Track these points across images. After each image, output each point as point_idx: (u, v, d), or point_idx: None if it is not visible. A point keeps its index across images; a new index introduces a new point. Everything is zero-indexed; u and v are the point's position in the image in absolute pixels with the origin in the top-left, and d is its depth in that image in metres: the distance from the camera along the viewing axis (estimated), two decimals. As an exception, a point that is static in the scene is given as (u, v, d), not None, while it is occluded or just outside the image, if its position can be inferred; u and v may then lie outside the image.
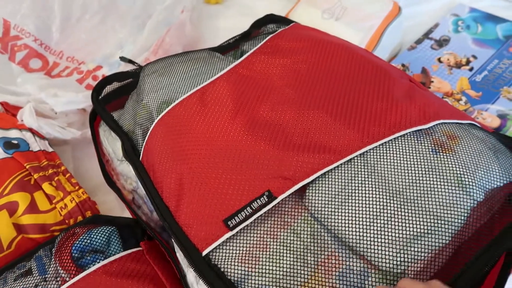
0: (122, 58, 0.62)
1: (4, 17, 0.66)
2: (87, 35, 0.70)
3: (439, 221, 0.34)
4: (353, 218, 0.35)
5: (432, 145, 0.38)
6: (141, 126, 0.47)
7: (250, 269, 0.34)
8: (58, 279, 0.36)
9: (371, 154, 0.38)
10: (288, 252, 0.34)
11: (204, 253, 0.35)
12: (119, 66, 0.66)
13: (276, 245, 0.35)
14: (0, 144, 0.50)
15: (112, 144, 0.52)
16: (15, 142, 0.51)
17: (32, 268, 0.38)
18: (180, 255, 0.37)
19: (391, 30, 0.63)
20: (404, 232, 0.33)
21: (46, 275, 0.37)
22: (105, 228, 0.40)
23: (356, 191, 0.36)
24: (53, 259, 0.38)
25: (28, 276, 0.37)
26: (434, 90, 0.61)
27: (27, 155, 0.50)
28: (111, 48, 0.70)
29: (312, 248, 0.35)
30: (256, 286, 0.33)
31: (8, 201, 0.45)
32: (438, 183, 0.35)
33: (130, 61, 0.61)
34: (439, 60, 0.65)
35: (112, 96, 0.56)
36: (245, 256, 0.35)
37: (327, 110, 0.43)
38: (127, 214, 0.55)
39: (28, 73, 0.64)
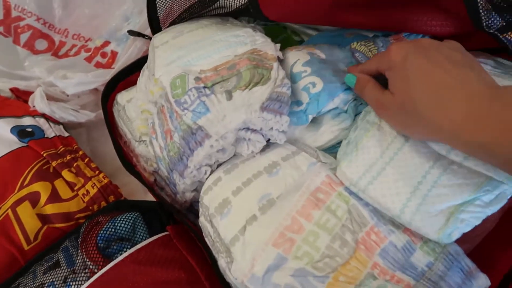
0: (131, 32, 0.58)
1: (3, -3, 0.62)
2: (91, 9, 0.66)
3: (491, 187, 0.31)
4: (394, 188, 0.32)
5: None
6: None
7: (284, 252, 0.32)
8: (86, 270, 0.35)
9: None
10: (324, 232, 0.32)
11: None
12: (127, 40, 0.62)
13: (310, 225, 0.32)
14: (14, 133, 0.48)
15: (128, 125, 0.49)
16: (30, 129, 0.49)
17: (60, 260, 0.37)
18: (209, 240, 0.35)
19: None
20: (453, 198, 0.30)
21: (75, 267, 0.36)
22: (129, 215, 0.38)
23: (394, 157, 0.33)
24: (79, 250, 0.37)
25: (57, 269, 0.36)
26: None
27: (43, 143, 0.48)
28: (117, 22, 0.66)
29: (349, 225, 0.32)
30: (293, 270, 0.31)
31: (29, 192, 0.43)
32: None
33: (140, 34, 0.58)
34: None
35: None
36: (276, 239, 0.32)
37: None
38: (150, 196, 0.53)
39: (35, 55, 0.62)
